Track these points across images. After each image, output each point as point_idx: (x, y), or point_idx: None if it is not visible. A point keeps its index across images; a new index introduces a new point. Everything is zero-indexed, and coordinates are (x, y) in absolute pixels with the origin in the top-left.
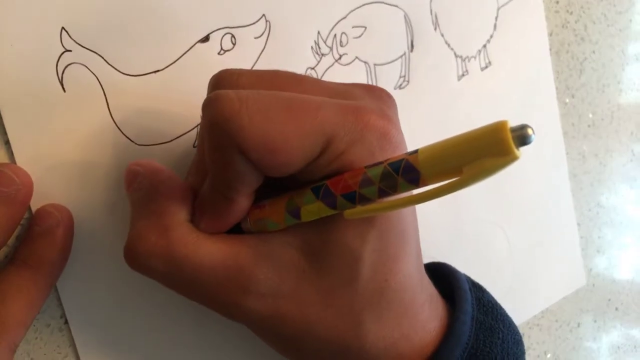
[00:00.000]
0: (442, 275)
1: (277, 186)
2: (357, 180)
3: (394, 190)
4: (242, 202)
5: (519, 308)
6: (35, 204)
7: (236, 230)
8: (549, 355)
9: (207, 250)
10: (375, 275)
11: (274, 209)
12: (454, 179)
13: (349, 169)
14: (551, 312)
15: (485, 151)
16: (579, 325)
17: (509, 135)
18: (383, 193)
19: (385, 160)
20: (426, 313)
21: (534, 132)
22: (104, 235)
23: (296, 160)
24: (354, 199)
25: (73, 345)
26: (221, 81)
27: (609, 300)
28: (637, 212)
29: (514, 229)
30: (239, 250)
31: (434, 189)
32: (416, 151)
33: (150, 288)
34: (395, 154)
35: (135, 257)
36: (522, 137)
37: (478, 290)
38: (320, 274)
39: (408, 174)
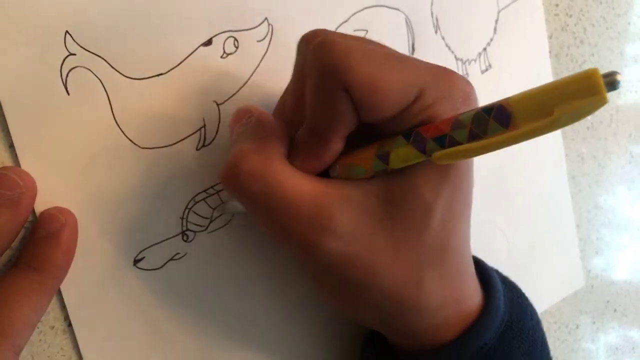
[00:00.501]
0: None
1: (364, 142)
2: (449, 124)
3: (484, 132)
4: (336, 144)
5: None
6: (39, 207)
7: (324, 176)
8: None
9: (299, 183)
10: (441, 232)
11: (364, 155)
12: (545, 121)
13: (435, 121)
14: (550, 313)
15: (577, 93)
16: (577, 326)
17: (601, 79)
18: (473, 136)
19: (477, 108)
20: (472, 283)
21: (622, 79)
22: (108, 238)
23: (393, 103)
24: (444, 142)
25: (77, 347)
26: (317, 33)
27: (608, 301)
28: (635, 214)
29: (514, 230)
30: (325, 190)
31: (524, 130)
32: (507, 98)
33: (153, 291)
34: None
35: (236, 174)
36: (611, 82)
37: (497, 273)
38: (395, 223)
39: (500, 116)
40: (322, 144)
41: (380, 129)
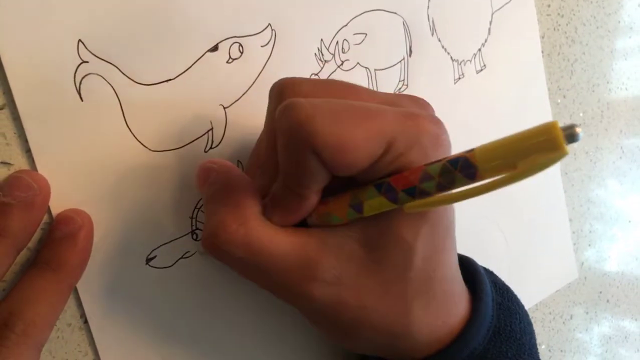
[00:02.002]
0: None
1: (339, 187)
2: (417, 176)
3: (452, 184)
4: (312, 198)
5: None
6: (56, 209)
7: (302, 224)
8: (542, 347)
9: (280, 240)
10: (425, 266)
11: (338, 204)
12: (508, 174)
13: (406, 169)
14: (545, 304)
15: (538, 148)
16: (571, 317)
17: (561, 133)
18: (441, 187)
19: (444, 158)
20: (460, 299)
21: (581, 131)
22: (121, 237)
23: (362, 159)
24: (413, 193)
25: (93, 343)
26: (284, 90)
27: (600, 292)
28: (626, 207)
29: (508, 225)
30: (307, 241)
31: (489, 182)
32: (472, 150)
33: (164, 288)
34: (446, 154)
35: (216, 244)
36: (571, 135)
37: (490, 274)
38: (378, 264)
39: (466, 169)
40: (298, 199)
41: (354, 177)
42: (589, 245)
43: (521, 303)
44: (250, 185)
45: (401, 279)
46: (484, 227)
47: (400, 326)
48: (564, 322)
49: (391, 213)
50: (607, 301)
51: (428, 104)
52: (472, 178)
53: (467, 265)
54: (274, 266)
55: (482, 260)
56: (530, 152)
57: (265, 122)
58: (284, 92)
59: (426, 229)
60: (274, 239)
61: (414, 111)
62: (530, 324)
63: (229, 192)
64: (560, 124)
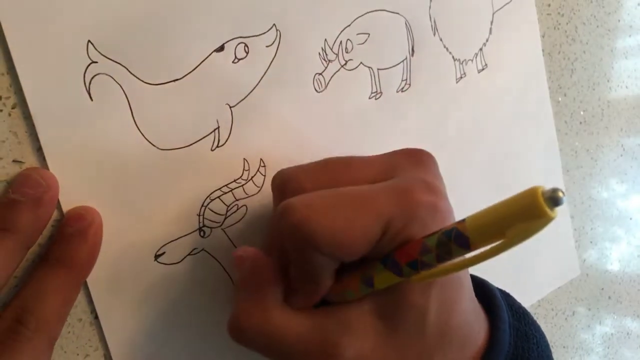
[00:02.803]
0: (473, 284)
1: (352, 262)
2: (417, 249)
3: (450, 255)
4: (325, 282)
5: (516, 298)
6: (66, 206)
7: (322, 301)
8: None
9: (299, 324)
10: (439, 322)
11: (351, 282)
12: (498, 242)
13: (409, 241)
14: (547, 301)
15: (523, 216)
16: (573, 313)
17: (542, 201)
18: (441, 258)
19: (439, 230)
20: (477, 333)
21: (564, 194)
22: (130, 234)
23: (362, 246)
24: (416, 266)
25: (103, 338)
26: (285, 183)
27: (602, 289)
28: (627, 205)
29: None
30: (325, 322)
31: (482, 252)
32: (464, 220)
33: (173, 284)
34: (446, 221)
35: (240, 331)
36: (553, 199)
37: (507, 297)
38: (394, 331)
39: (459, 240)
40: (312, 286)
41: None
42: (591, 242)
43: (538, 325)
44: (273, 274)
45: (418, 340)
46: None
47: None
48: (566, 319)
49: (400, 283)
50: (609, 298)
51: (428, 156)
52: (467, 247)
53: (483, 289)
54: (296, 351)
55: None
56: (516, 220)
57: (273, 211)
58: (282, 187)
59: (436, 289)
60: (292, 324)
61: (406, 183)
62: (547, 347)
63: (254, 280)
64: (545, 187)
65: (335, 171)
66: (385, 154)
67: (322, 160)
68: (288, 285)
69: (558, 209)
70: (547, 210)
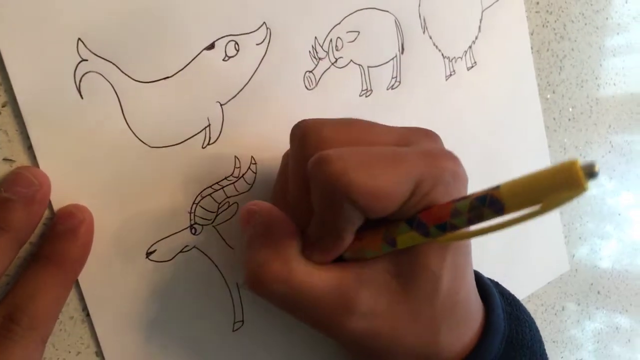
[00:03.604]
0: None
1: (371, 223)
2: (447, 212)
3: (481, 218)
4: (348, 238)
5: None
6: (57, 204)
7: (338, 258)
8: None
9: (319, 278)
10: (450, 292)
11: (372, 240)
12: (534, 209)
13: (431, 205)
14: (537, 296)
15: (560, 185)
16: (563, 308)
17: (581, 172)
18: (471, 221)
19: (470, 195)
20: (478, 314)
21: (599, 169)
22: (122, 232)
23: (395, 203)
24: (445, 227)
25: (95, 336)
26: (306, 135)
27: (591, 284)
28: (615, 201)
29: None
30: (343, 277)
31: (516, 217)
32: (498, 187)
33: (164, 281)
34: (464, 189)
35: (260, 282)
36: (590, 173)
37: (496, 285)
38: (409, 293)
39: (493, 205)
40: (334, 240)
41: (386, 217)
42: (580, 238)
43: (528, 311)
44: (290, 226)
45: (430, 306)
46: None
47: (431, 348)
48: (555, 314)
49: (418, 245)
50: (598, 293)
51: (436, 134)
52: (500, 212)
53: (475, 278)
54: (313, 302)
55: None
56: (553, 190)
57: (289, 163)
58: (305, 137)
59: (450, 259)
60: (313, 277)
61: (433, 150)
62: (538, 331)
63: (271, 233)
64: (581, 163)
65: (358, 130)
66: (400, 127)
67: (346, 119)
68: (306, 241)
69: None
70: (585, 182)
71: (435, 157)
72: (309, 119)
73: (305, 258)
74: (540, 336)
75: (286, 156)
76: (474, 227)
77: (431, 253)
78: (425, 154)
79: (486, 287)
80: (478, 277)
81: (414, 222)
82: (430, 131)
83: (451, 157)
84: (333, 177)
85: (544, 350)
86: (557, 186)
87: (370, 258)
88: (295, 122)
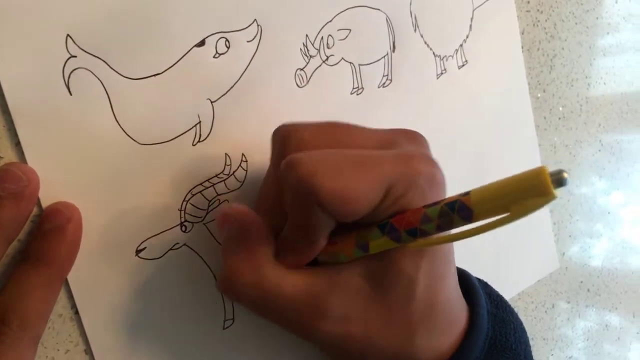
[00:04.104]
0: None
1: (345, 227)
2: (417, 217)
3: (450, 225)
4: (320, 242)
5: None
6: (46, 202)
7: (311, 262)
8: None
9: (291, 282)
10: (427, 295)
11: (345, 245)
12: (502, 216)
13: (406, 209)
14: (527, 294)
15: (529, 192)
16: (553, 306)
17: (549, 179)
18: (440, 228)
19: (441, 201)
20: (459, 315)
21: (568, 176)
22: (111, 229)
23: (364, 207)
24: (415, 233)
25: (84, 334)
26: (286, 138)
27: (581, 282)
28: (605, 199)
29: None
30: (316, 280)
31: (485, 224)
32: (468, 193)
33: (154, 279)
34: (441, 192)
35: (232, 288)
36: (559, 180)
37: (485, 286)
38: (383, 297)
39: (462, 212)
40: (307, 244)
41: (359, 220)
42: (570, 236)
43: (515, 313)
44: (264, 230)
45: (405, 309)
46: None
47: (406, 351)
48: (546, 311)
49: (393, 250)
50: (588, 290)
51: (422, 137)
52: (469, 219)
53: (462, 278)
54: (286, 306)
55: (466, 250)
56: (522, 197)
57: (270, 167)
58: (285, 140)
59: (426, 261)
60: (285, 282)
61: (408, 152)
62: (524, 332)
63: (244, 238)
64: (550, 169)
65: (338, 133)
66: (384, 129)
67: (328, 122)
68: (279, 244)
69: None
70: (553, 190)
71: (409, 161)
72: (289, 123)
73: (279, 262)
74: (526, 338)
75: (271, 162)
76: (445, 233)
77: (406, 258)
78: (399, 157)
79: (473, 288)
80: (465, 277)
81: (386, 227)
82: (415, 133)
83: (427, 161)
84: (302, 180)
85: (530, 352)
86: (526, 193)
87: (344, 262)
88: (287, 119)
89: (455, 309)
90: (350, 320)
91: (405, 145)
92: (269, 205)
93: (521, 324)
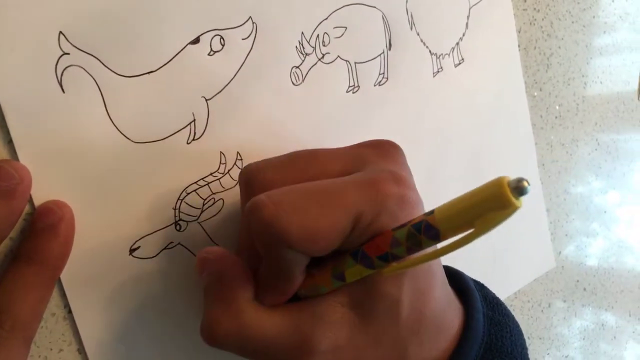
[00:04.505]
0: (448, 275)
1: (321, 257)
2: (387, 242)
3: (419, 246)
4: (297, 278)
5: (493, 290)
6: (38, 200)
7: (294, 297)
8: None
9: (273, 322)
10: (413, 311)
11: (322, 276)
12: (468, 232)
13: (379, 233)
14: (523, 293)
15: (490, 206)
16: (549, 305)
17: (508, 191)
18: (411, 250)
19: (409, 222)
20: (451, 322)
21: (529, 184)
22: (105, 228)
23: (333, 241)
24: (387, 258)
25: (77, 333)
26: (251, 180)
27: (577, 281)
28: (602, 199)
29: None
30: (299, 316)
31: (453, 242)
32: (432, 212)
33: (148, 278)
34: (414, 211)
35: (212, 338)
36: (519, 189)
37: (481, 288)
38: (369, 322)
39: (429, 232)
40: (284, 282)
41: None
42: (566, 235)
43: (512, 315)
44: (242, 273)
45: (392, 328)
46: None
47: None
48: (542, 310)
49: (371, 275)
50: (584, 290)
51: (394, 147)
52: (437, 239)
53: (457, 280)
54: (271, 348)
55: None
56: (483, 210)
57: (241, 208)
58: (250, 182)
59: (408, 279)
60: (267, 324)
61: (374, 176)
62: (521, 335)
63: (223, 283)
64: (511, 178)
65: (302, 164)
66: (351, 146)
67: (289, 154)
68: (258, 284)
69: (529, 200)
70: (513, 200)
71: (377, 185)
72: (253, 163)
73: (259, 302)
74: (523, 341)
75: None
76: (418, 254)
77: (387, 280)
78: (366, 183)
79: (468, 291)
80: (461, 279)
81: (358, 255)
82: (386, 144)
83: (397, 181)
84: (266, 224)
85: (526, 354)
86: (488, 206)
87: (323, 293)
88: (282, 118)
89: (445, 317)
90: (339, 351)
91: (375, 162)
92: (247, 247)
93: (518, 326)
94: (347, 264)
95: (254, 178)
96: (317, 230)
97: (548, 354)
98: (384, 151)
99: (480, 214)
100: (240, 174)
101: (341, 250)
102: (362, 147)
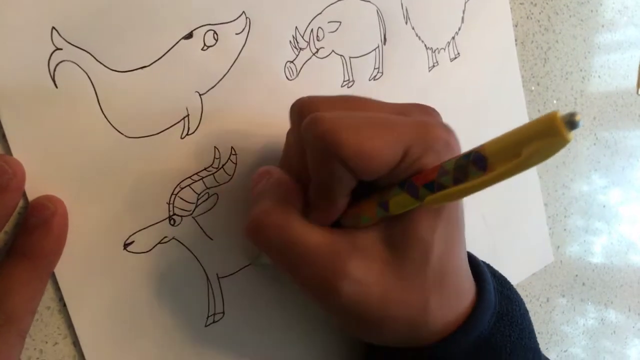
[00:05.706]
0: None
1: (365, 194)
2: (434, 172)
3: (466, 176)
4: (341, 202)
5: None
6: (32, 195)
7: (336, 224)
8: None
9: (314, 235)
10: (440, 261)
11: (367, 205)
12: (515, 161)
13: (423, 170)
14: (522, 287)
15: (540, 133)
16: (548, 299)
17: (559, 121)
18: (457, 180)
19: (458, 155)
20: (469, 289)
21: (580, 119)
22: (99, 223)
23: (383, 165)
24: (432, 187)
25: (72, 326)
26: (304, 108)
27: (576, 276)
28: (600, 193)
29: (487, 209)
30: (338, 239)
31: (499, 172)
32: (482, 145)
33: (142, 273)
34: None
35: (259, 228)
36: (571, 123)
37: (488, 266)
38: (400, 262)
39: (477, 161)
40: (329, 203)
41: (379, 182)
42: (565, 229)
43: (518, 293)
44: (296, 190)
45: (420, 274)
46: (467, 212)
47: (419, 317)
48: (540, 305)
49: (412, 214)
50: (583, 284)
51: (436, 111)
52: (484, 169)
53: (468, 257)
54: (308, 257)
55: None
56: (533, 139)
57: (289, 136)
58: (303, 110)
59: (442, 227)
60: (308, 234)
61: (425, 120)
62: (527, 312)
63: (278, 190)
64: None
65: (353, 105)
66: (398, 103)
67: (341, 95)
68: (305, 204)
69: (527, 194)
70: (564, 130)
71: (427, 126)
72: (305, 97)
73: (305, 218)
74: (529, 318)
75: (289, 133)
76: (462, 185)
77: (423, 222)
78: (418, 123)
79: (478, 267)
80: (470, 256)
81: (405, 184)
82: (429, 107)
83: (445, 129)
84: (324, 135)
85: (533, 330)
86: (537, 134)
87: (365, 225)
88: (276, 112)
89: (464, 280)
90: (368, 284)
91: (420, 117)
92: (294, 173)
93: (524, 303)
94: (393, 192)
95: (307, 108)
96: (371, 149)
97: (547, 348)
98: (427, 110)
99: (528, 141)
100: (292, 105)
101: (384, 185)
102: (407, 105)
